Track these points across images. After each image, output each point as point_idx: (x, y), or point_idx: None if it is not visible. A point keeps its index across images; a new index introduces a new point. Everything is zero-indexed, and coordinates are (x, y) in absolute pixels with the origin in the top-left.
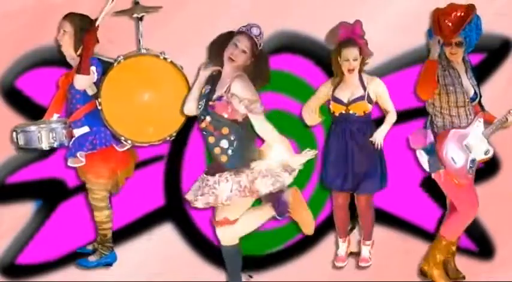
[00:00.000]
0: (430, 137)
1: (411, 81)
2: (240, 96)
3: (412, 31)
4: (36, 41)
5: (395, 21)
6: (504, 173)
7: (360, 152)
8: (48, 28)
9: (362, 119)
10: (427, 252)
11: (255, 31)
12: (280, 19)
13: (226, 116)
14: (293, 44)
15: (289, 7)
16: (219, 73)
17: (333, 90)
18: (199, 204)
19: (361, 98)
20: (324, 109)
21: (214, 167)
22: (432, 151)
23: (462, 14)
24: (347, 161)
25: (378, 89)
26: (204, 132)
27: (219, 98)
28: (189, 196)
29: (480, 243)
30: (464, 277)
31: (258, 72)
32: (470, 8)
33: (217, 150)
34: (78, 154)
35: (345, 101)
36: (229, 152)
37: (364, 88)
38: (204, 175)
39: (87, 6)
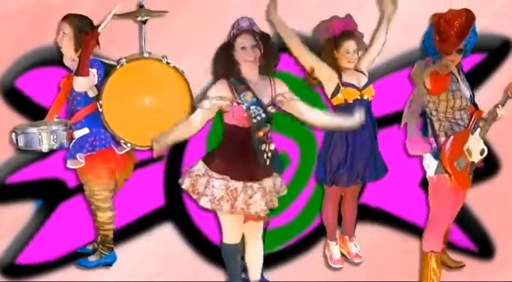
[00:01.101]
0: (433, 143)
1: (411, 81)
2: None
3: (412, 31)
4: (36, 41)
5: (396, 21)
6: (504, 173)
7: (375, 137)
8: (48, 28)
9: (370, 104)
10: (421, 273)
11: (244, 24)
12: None
13: None
14: None
15: (290, 7)
16: (239, 76)
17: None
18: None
19: (369, 82)
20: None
21: (252, 172)
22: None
23: (464, 21)
24: (368, 149)
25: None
26: (258, 140)
27: (274, 104)
28: (257, 208)
29: (480, 243)
30: (464, 265)
31: (271, 54)
32: (470, 15)
33: (265, 154)
34: (77, 156)
35: (358, 85)
36: (270, 154)
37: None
38: (244, 182)
39: (87, 6)
